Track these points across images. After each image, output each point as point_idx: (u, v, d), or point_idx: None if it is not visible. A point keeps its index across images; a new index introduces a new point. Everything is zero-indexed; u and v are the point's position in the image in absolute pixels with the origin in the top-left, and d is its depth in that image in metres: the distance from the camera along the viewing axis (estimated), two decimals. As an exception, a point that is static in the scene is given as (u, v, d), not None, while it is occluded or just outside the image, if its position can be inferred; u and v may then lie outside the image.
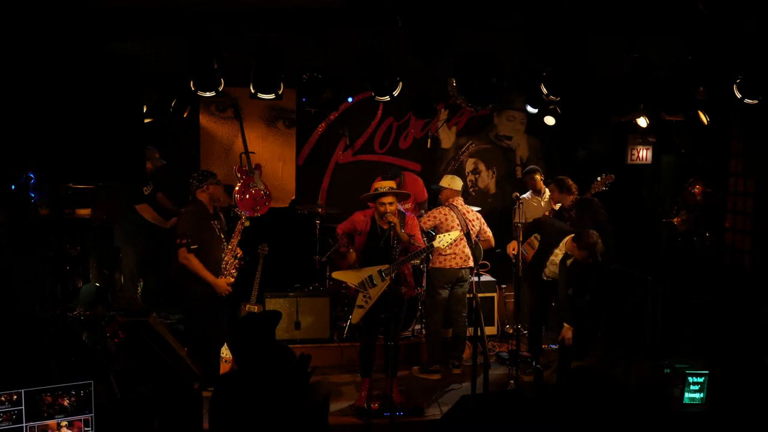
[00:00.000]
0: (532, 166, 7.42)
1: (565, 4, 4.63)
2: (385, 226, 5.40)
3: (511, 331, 6.32)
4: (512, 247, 6.16)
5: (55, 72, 3.69)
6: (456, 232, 5.76)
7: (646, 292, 6.33)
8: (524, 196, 7.26)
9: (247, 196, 6.98)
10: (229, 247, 5.64)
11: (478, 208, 6.78)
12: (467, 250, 6.25)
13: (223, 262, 5.63)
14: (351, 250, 5.64)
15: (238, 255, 5.69)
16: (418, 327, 6.98)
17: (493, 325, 7.27)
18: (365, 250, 5.61)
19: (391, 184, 5.59)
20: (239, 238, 5.67)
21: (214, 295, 5.55)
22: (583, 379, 2.67)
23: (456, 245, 6.07)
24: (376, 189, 5.54)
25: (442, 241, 5.58)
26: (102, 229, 6.84)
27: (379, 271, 5.45)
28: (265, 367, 3.01)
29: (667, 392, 4.64)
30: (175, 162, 6.95)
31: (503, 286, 7.23)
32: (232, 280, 5.64)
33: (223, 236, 5.65)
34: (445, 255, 6.20)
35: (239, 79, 5.52)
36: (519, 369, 5.81)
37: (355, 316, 5.60)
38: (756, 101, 5.46)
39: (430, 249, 5.71)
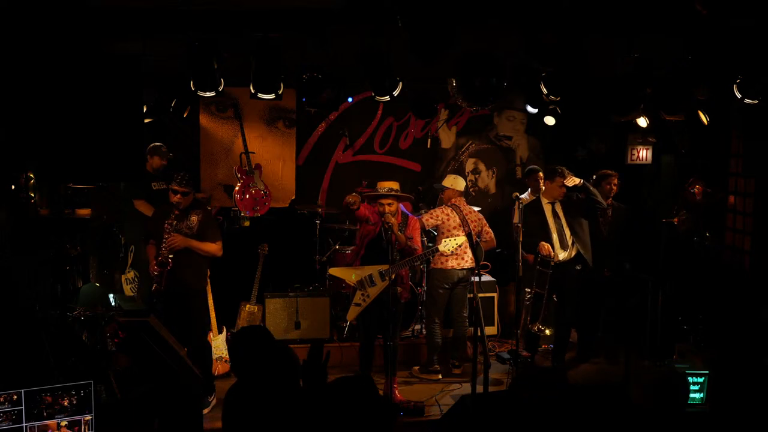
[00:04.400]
0: (534, 166, 7.40)
1: (564, 4, 4.63)
2: (386, 226, 5.40)
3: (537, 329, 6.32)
4: (547, 248, 6.16)
5: (55, 72, 3.69)
6: (462, 238, 5.76)
7: (646, 292, 6.33)
8: (523, 195, 7.25)
9: (247, 196, 6.98)
10: (163, 244, 5.39)
11: (479, 208, 6.78)
12: (468, 251, 6.25)
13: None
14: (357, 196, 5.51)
15: (160, 258, 5.37)
16: (418, 327, 6.99)
17: (493, 325, 7.28)
18: (369, 246, 5.60)
19: (391, 184, 5.59)
20: (166, 236, 5.36)
21: (160, 293, 5.43)
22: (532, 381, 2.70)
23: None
24: (378, 189, 5.55)
25: (447, 245, 5.62)
26: (102, 229, 6.84)
27: (380, 272, 5.45)
28: (268, 375, 2.99)
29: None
30: (175, 162, 6.96)
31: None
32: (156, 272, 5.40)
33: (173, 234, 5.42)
34: (447, 255, 6.20)
35: (239, 79, 5.52)
36: (519, 369, 5.80)
37: (351, 313, 5.61)
38: (756, 101, 5.46)
39: (434, 252, 5.72)
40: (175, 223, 5.41)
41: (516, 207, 6.11)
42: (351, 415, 2.56)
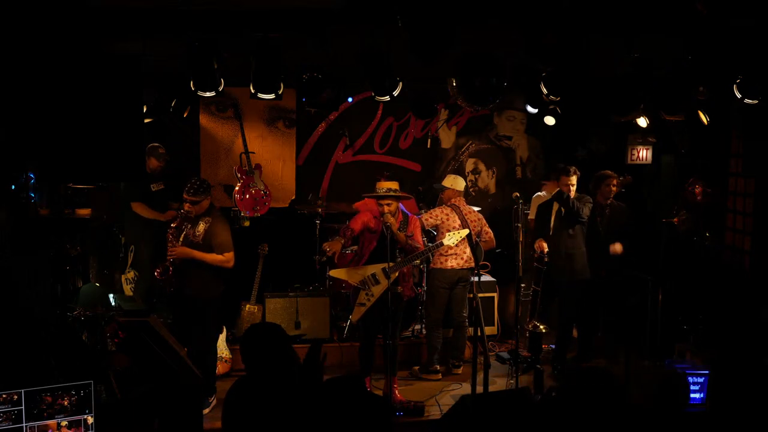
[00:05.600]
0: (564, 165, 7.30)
1: (564, 4, 4.63)
2: (385, 225, 5.40)
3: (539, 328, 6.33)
4: (541, 245, 6.17)
5: (55, 72, 3.69)
6: (465, 230, 5.79)
7: (646, 292, 6.33)
8: (541, 194, 7.21)
9: (247, 196, 6.98)
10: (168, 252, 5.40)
11: (479, 209, 6.78)
12: (468, 251, 6.26)
13: None
14: (340, 241, 5.57)
15: (163, 265, 5.38)
16: (418, 327, 6.99)
17: (493, 325, 7.28)
18: (374, 249, 5.60)
19: (390, 185, 5.59)
20: (169, 244, 5.38)
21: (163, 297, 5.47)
22: (585, 379, 2.65)
23: (457, 246, 6.08)
24: (377, 189, 5.56)
25: (452, 238, 5.65)
26: (102, 229, 6.84)
27: (383, 269, 5.45)
28: (276, 373, 2.99)
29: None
30: (175, 162, 6.96)
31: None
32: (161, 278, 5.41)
33: (177, 242, 5.39)
34: (447, 255, 6.21)
35: (239, 79, 5.52)
36: (519, 369, 5.81)
37: (356, 314, 5.60)
38: (756, 101, 5.45)
39: (439, 246, 5.72)
40: (188, 226, 5.40)
41: (518, 207, 6.10)
42: (343, 415, 2.57)
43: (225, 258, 5.36)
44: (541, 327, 6.27)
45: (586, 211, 6.22)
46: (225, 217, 5.67)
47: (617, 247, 6.32)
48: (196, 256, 5.33)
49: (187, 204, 5.34)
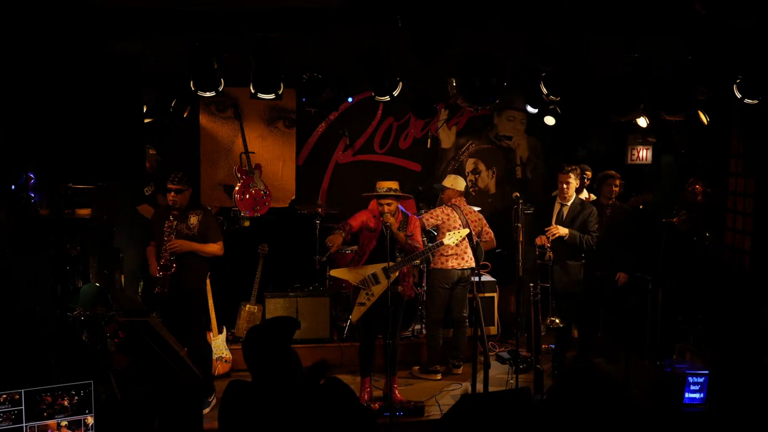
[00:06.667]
0: (584, 165, 7.24)
1: (564, 4, 4.63)
2: (385, 225, 5.40)
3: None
4: (542, 239, 6.17)
5: (55, 72, 3.70)
6: (466, 230, 5.79)
7: (646, 292, 6.33)
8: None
9: (247, 196, 6.98)
10: (164, 247, 5.37)
11: (479, 208, 6.78)
12: (468, 251, 6.26)
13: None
14: (341, 234, 5.56)
15: (162, 261, 5.36)
16: (418, 327, 6.99)
17: (493, 325, 7.28)
18: (374, 248, 5.60)
19: (391, 184, 5.59)
20: (166, 239, 5.35)
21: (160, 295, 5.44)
22: (581, 378, 2.65)
23: (457, 245, 6.08)
24: (377, 189, 5.56)
25: (452, 238, 5.65)
26: (102, 229, 6.85)
27: (384, 269, 5.45)
28: (278, 375, 2.98)
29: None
30: (175, 162, 6.95)
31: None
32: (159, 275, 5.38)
33: (173, 237, 5.37)
34: (447, 255, 6.20)
35: (239, 79, 5.52)
36: (519, 369, 5.81)
37: (356, 313, 5.60)
38: (756, 101, 5.45)
39: (439, 246, 5.72)
40: (175, 223, 5.40)
41: (517, 207, 6.09)
42: (327, 417, 2.58)
43: (220, 246, 5.57)
44: (557, 321, 6.25)
45: (593, 237, 6.18)
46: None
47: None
48: (194, 247, 5.44)
49: (172, 193, 5.35)
